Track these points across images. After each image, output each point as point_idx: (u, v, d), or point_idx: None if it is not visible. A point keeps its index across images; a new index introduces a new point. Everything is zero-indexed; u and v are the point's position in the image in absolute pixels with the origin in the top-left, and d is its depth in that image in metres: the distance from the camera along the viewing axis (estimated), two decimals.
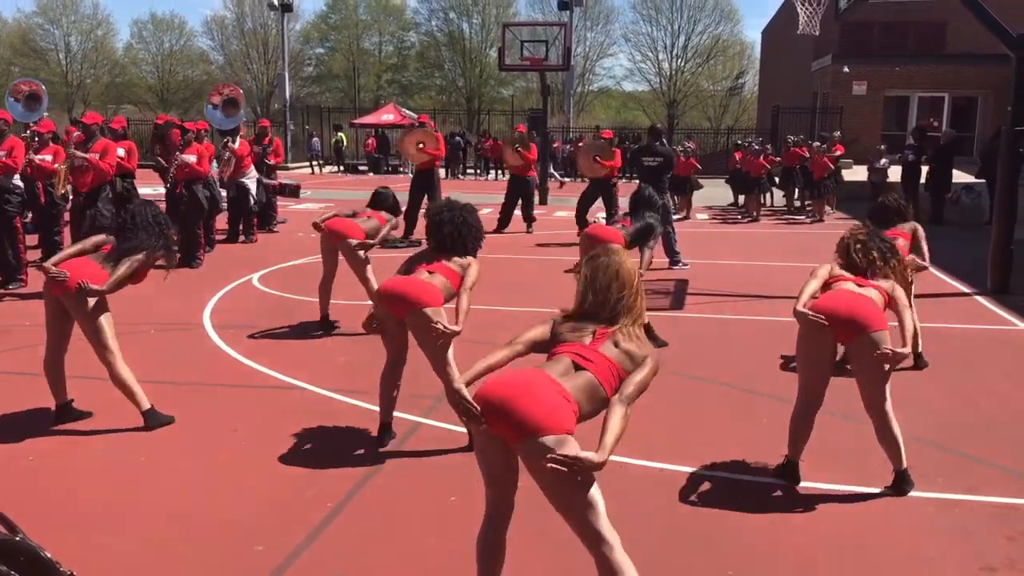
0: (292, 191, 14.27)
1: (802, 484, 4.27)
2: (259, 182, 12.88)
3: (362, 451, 4.63)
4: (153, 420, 4.91)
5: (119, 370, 4.84)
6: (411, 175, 14.71)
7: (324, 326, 7.25)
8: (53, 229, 10.36)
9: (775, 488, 4.23)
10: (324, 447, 4.69)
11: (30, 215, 10.40)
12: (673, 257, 10.61)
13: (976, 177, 15.82)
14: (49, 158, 9.84)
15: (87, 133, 9.70)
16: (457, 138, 29.18)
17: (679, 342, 6.90)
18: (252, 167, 12.61)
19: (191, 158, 10.46)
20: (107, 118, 12.47)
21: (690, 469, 4.43)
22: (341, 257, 7.17)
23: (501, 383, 2.75)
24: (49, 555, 2.12)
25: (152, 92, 57.41)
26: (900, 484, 4.15)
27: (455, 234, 4.73)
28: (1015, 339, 7.40)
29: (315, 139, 31.31)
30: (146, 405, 4.91)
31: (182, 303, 8.11)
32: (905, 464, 4.13)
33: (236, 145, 12.28)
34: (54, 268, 4.65)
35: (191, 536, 3.69)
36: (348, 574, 3.42)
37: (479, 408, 2.74)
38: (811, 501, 4.10)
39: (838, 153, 16.75)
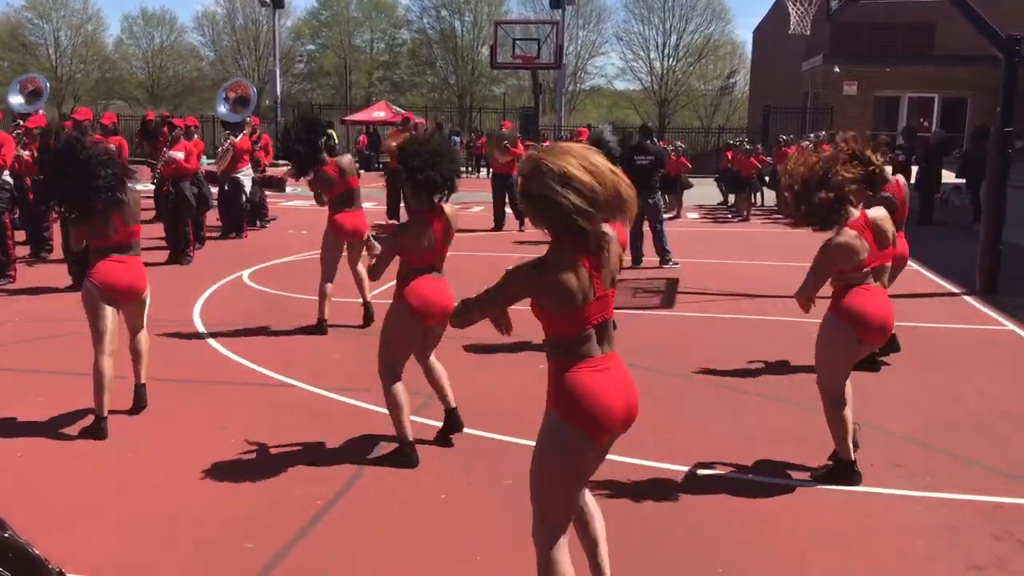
0: (278, 184, 14.15)
1: (790, 481, 4.30)
2: (254, 180, 12.85)
3: (353, 449, 4.62)
4: (142, 399, 5.12)
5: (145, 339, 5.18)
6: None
7: (318, 329, 7.12)
8: (42, 225, 10.32)
9: (763, 486, 4.24)
10: (314, 445, 4.68)
11: (17, 211, 10.35)
12: (664, 256, 10.63)
13: (956, 176, 15.89)
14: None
15: (78, 130, 9.65)
16: (454, 137, 29.18)
17: (669, 341, 6.92)
18: (249, 164, 12.62)
19: (179, 154, 10.40)
20: (97, 114, 12.42)
21: (679, 467, 4.44)
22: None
23: (615, 403, 2.54)
24: (37, 552, 2.11)
25: (142, 88, 57.10)
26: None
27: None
28: (1002, 339, 7.44)
29: None
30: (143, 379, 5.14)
31: (172, 300, 8.08)
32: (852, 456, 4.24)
33: (238, 139, 12.25)
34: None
35: (180, 533, 3.68)
36: (338, 572, 3.42)
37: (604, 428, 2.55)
38: (799, 498, 4.13)
39: (825, 154, 16.80)
